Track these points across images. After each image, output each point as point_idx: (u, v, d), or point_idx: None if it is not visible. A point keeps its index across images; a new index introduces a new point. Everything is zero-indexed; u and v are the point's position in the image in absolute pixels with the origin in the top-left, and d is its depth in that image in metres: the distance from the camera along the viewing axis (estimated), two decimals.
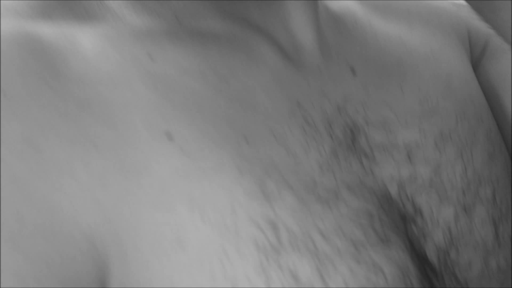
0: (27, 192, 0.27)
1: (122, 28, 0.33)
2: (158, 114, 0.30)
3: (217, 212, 0.29)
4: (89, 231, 0.27)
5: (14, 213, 0.26)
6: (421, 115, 0.39)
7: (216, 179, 0.30)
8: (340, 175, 0.34)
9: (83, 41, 0.31)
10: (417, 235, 0.35)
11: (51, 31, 0.31)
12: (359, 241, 0.31)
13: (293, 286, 0.29)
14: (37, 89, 0.28)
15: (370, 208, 0.33)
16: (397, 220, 0.35)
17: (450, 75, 0.43)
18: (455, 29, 0.47)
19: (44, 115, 0.28)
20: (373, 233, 0.32)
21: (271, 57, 0.36)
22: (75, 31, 0.31)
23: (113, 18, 0.33)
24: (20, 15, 0.31)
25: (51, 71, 0.29)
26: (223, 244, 0.28)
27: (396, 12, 0.46)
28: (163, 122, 0.30)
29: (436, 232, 0.36)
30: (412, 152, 0.37)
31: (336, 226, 0.31)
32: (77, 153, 0.28)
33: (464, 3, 0.46)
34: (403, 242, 0.33)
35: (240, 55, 0.35)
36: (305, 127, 0.34)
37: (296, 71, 0.36)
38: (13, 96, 0.28)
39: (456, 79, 0.43)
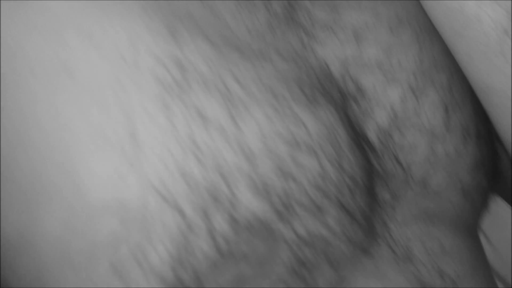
0: None
1: None
2: None
3: (113, 43, 0.28)
4: None
5: None
6: None
7: (114, 14, 0.29)
8: (272, 42, 0.32)
9: None
10: (357, 113, 0.33)
11: None
12: (281, 94, 0.30)
13: (199, 123, 0.28)
14: None
15: (301, 75, 0.32)
16: (336, 96, 0.33)
17: None
18: None
19: None
20: (300, 92, 0.31)
21: None
22: None
23: None
24: None
25: None
26: (118, 75, 0.28)
27: None
28: None
29: (379, 112, 0.34)
30: (360, 33, 0.35)
31: (255, 77, 0.30)
32: None
33: None
34: (336, 111, 0.32)
35: None
36: None
37: None
38: None
39: None
